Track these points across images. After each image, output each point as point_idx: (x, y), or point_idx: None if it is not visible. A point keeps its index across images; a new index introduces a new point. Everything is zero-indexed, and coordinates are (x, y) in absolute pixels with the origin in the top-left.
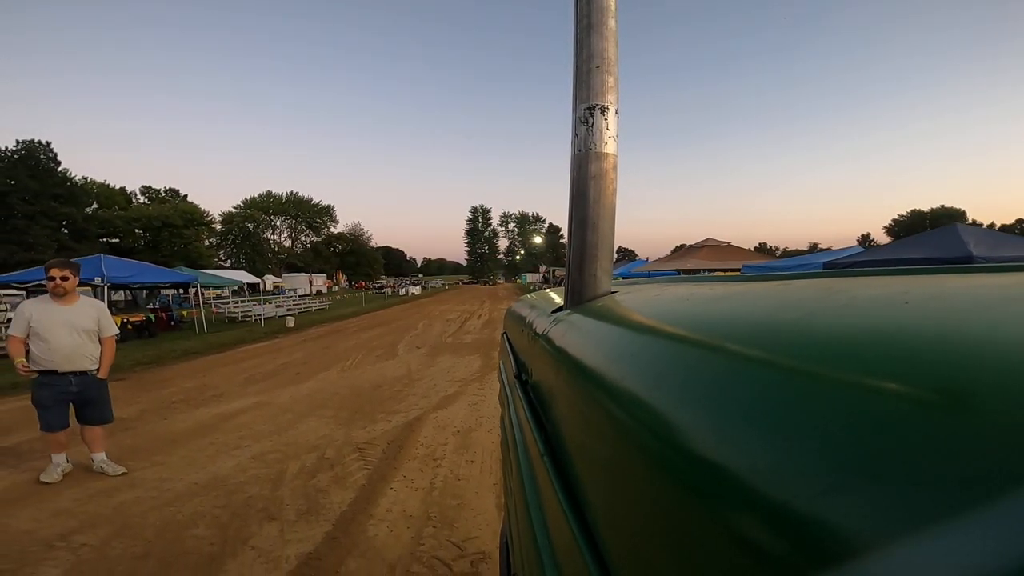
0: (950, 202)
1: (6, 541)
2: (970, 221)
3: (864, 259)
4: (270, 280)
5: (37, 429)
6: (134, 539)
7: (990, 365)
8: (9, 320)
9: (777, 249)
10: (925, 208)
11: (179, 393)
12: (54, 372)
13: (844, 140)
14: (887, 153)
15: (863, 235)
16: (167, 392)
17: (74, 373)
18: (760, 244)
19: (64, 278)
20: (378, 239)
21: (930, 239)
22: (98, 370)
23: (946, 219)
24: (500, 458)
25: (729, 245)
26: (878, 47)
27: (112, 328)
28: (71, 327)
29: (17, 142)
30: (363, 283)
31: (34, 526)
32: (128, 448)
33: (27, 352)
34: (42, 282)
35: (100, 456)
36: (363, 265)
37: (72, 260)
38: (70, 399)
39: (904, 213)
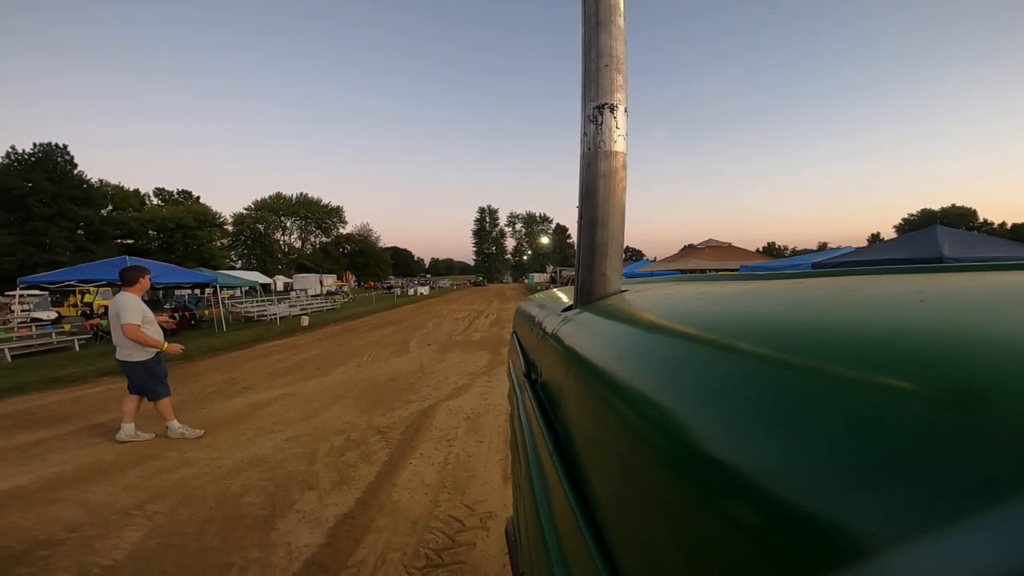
0: (964, 201)
1: (91, 511)
2: (981, 220)
3: (850, 259)
4: (280, 280)
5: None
6: (198, 507)
7: (1009, 364)
8: (33, 318)
9: (786, 248)
10: (936, 207)
11: (212, 386)
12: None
13: (858, 138)
14: (901, 151)
15: (873, 234)
16: (200, 385)
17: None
18: (769, 243)
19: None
20: (387, 239)
21: (911, 240)
22: None
23: (957, 218)
24: (506, 438)
25: (730, 246)
26: (895, 41)
27: None
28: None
29: (34, 145)
30: (372, 283)
31: (110, 499)
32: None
33: None
34: (113, 280)
35: (131, 427)
36: (372, 265)
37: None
38: None
39: (915, 212)
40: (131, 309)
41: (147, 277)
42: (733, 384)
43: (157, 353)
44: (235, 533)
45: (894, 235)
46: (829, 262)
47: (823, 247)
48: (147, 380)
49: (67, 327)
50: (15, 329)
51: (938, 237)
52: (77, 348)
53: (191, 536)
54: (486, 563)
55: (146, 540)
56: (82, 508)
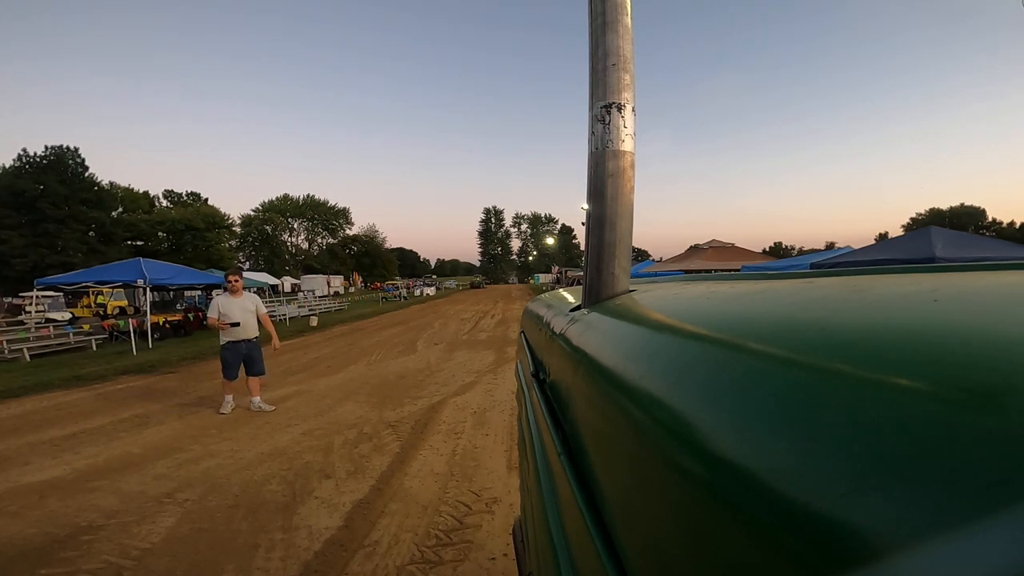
0: (977, 199)
1: (126, 499)
2: (991, 219)
3: (846, 260)
4: (288, 281)
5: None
6: (224, 494)
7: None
8: (47, 318)
9: (793, 248)
10: (945, 207)
11: None
12: (236, 341)
13: (868, 135)
14: (912, 149)
15: (881, 234)
16: (217, 382)
17: (245, 341)
18: (776, 243)
19: (236, 280)
20: (392, 240)
21: (906, 240)
22: (258, 338)
23: (966, 217)
24: (511, 431)
25: (733, 246)
26: (907, 37)
27: (263, 308)
28: (243, 311)
29: (46, 148)
30: (378, 284)
31: (143, 488)
32: (199, 427)
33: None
34: (128, 282)
35: (257, 400)
36: (378, 266)
37: (239, 268)
38: (242, 359)
39: (923, 211)
40: (211, 307)
41: (229, 280)
42: (745, 384)
43: (229, 342)
44: (260, 518)
45: (902, 235)
46: (826, 262)
47: (831, 247)
48: (222, 361)
49: (86, 327)
50: (32, 329)
51: (931, 238)
52: (94, 347)
53: (220, 521)
54: (491, 542)
55: (179, 525)
56: (117, 496)
